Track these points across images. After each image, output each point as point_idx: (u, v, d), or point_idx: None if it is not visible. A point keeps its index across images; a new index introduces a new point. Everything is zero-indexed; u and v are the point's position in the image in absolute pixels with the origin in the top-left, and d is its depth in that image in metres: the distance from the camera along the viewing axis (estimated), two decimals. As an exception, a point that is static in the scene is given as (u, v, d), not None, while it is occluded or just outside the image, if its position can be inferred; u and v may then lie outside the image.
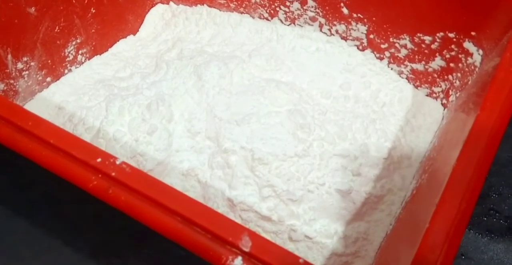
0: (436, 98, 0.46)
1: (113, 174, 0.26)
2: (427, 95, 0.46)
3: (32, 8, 0.41)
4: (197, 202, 0.25)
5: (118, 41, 0.54)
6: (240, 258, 0.23)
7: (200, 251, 0.24)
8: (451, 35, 0.40)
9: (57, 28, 0.44)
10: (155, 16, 0.57)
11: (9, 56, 0.41)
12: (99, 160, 0.26)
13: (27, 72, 0.43)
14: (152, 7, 0.57)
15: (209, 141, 0.41)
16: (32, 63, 0.43)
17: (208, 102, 0.43)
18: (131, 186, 0.25)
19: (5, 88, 0.42)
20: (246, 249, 0.23)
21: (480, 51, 0.38)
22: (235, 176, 0.39)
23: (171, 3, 0.57)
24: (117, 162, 0.26)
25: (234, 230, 0.24)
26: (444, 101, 0.45)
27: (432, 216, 0.24)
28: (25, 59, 0.42)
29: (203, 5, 0.54)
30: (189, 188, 0.40)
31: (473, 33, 0.38)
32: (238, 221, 0.38)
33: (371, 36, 0.45)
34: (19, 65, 0.42)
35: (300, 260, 0.23)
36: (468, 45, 0.39)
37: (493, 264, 0.40)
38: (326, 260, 0.37)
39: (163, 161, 0.40)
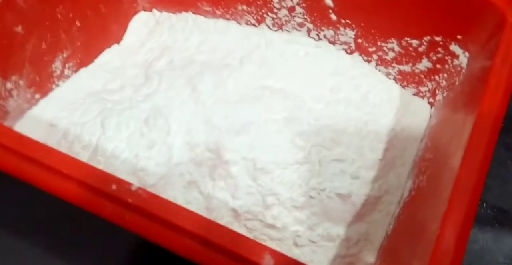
0: (423, 97, 0.47)
1: (130, 200, 0.26)
2: (414, 95, 0.48)
3: (19, 26, 0.40)
4: (217, 223, 0.26)
5: (103, 51, 0.53)
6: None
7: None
8: (437, 38, 0.41)
9: (43, 44, 0.43)
10: (138, 24, 0.56)
11: (-1, 77, 0.40)
12: (114, 187, 0.26)
13: (16, 91, 0.42)
14: (134, 15, 0.56)
15: (209, 152, 0.41)
16: (21, 82, 0.42)
17: (205, 113, 0.43)
18: (150, 211, 0.26)
19: (-4, 109, 0.41)
20: (270, 268, 0.24)
21: (466, 54, 0.40)
22: (238, 186, 0.39)
23: (154, 10, 0.56)
24: (133, 188, 0.26)
25: (256, 249, 0.25)
26: (431, 100, 0.47)
27: (442, 222, 0.26)
28: (14, 78, 0.41)
29: (187, 12, 0.54)
30: (192, 200, 0.40)
31: (459, 37, 0.40)
32: (243, 230, 0.39)
33: (359, 40, 0.46)
34: (8, 85, 0.41)
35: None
36: (454, 47, 0.41)
37: (483, 253, 0.43)
38: (331, 262, 0.38)
39: (164, 175, 0.40)
